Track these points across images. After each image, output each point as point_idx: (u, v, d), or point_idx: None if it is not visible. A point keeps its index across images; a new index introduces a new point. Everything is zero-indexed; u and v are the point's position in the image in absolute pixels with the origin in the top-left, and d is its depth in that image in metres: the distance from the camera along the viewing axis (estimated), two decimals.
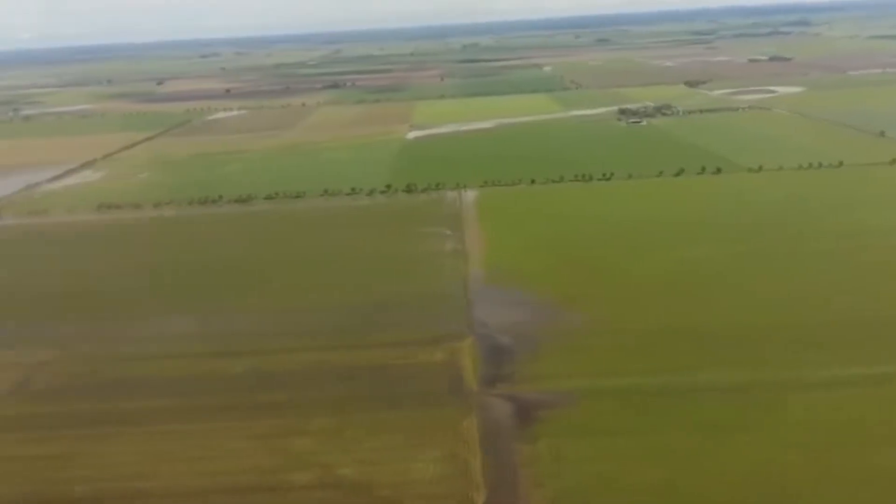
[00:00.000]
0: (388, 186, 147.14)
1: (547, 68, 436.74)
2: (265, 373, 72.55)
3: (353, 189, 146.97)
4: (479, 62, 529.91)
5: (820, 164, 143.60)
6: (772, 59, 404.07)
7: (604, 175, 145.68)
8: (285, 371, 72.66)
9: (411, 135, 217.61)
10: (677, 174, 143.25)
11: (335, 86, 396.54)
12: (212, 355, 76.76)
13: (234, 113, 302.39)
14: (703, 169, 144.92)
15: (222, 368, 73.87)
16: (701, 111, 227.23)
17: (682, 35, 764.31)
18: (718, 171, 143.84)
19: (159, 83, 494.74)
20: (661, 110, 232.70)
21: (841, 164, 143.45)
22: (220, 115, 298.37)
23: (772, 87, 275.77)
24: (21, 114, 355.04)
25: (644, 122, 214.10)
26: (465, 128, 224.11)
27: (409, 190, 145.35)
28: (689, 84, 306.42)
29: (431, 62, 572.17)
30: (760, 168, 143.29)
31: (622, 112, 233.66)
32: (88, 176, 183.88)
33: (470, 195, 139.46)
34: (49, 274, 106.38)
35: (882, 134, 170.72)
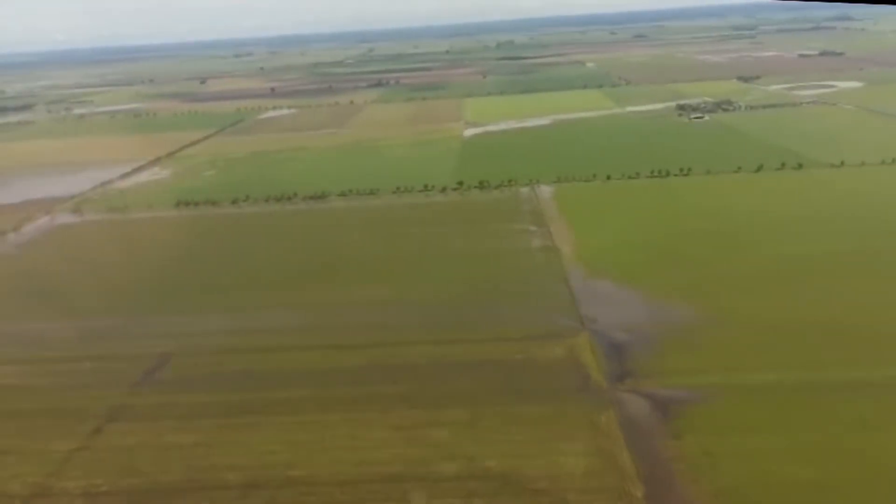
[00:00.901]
0: (461, 183, 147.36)
1: (590, 64, 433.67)
2: (387, 365, 73.17)
3: (425, 186, 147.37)
4: (518, 59, 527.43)
5: None
6: (822, 53, 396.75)
7: (681, 170, 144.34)
8: (406, 364, 73.20)
9: (468, 132, 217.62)
10: (757, 170, 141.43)
11: (379, 84, 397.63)
12: (331, 347, 77.73)
13: (285, 111, 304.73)
14: (783, 165, 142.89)
15: (344, 360, 74.68)
16: (763, 107, 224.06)
17: (722, 30, 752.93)
18: (799, 166, 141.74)
19: (202, 82, 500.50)
20: (720, 106, 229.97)
21: None
22: (271, 113, 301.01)
23: (830, 83, 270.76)
24: (73, 112, 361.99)
25: (706, 118, 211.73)
26: (521, 125, 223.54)
27: (481, 186, 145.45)
28: (743, 79, 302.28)
29: (469, 60, 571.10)
30: (842, 163, 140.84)
31: (681, 108, 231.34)
32: (157, 173, 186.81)
33: (545, 191, 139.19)
34: (150, 269, 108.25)
35: None
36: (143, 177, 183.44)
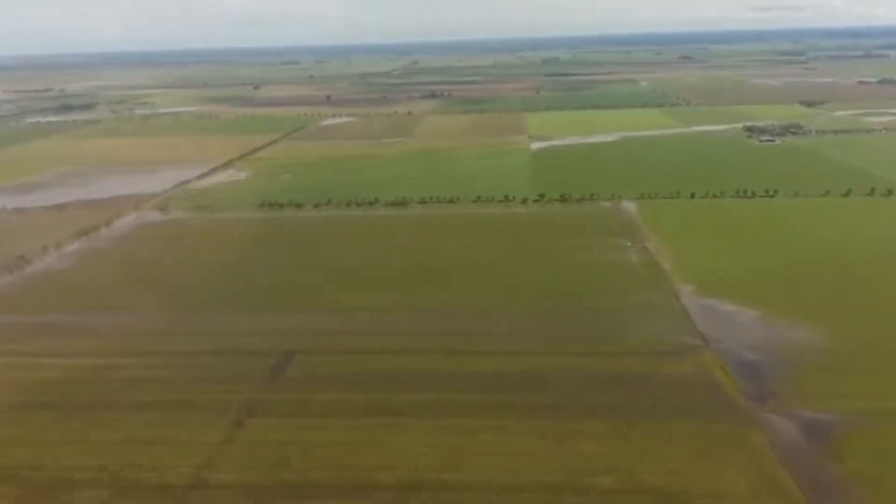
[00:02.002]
0: (542, 196, 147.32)
1: (643, 83, 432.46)
2: (516, 373, 73.10)
3: (505, 197, 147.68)
4: (567, 76, 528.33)
5: None
6: (881, 82, 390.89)
7: (766, 192, 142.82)
8: (536, 373, 73.01)
9: (535, 145, 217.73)
10: (845, 195, 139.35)
11: (432, 96, 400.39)
12: (453, 352, 77.89)
13: (344, 119, 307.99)
14: (873, 190, 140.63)
15: (471, 365, 74.81)
16: (834, 132, 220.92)
17: (769, 55, 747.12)
18: (889, 192, 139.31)
19: (256, 88, 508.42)
20: (789, 129, 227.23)
21: None
22: (331, 121, 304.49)
23: None
24: (135, 112, 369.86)
25: (777, 141, 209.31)
26: (586, 140, 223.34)
27: (563, 199, 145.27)
28: (806, 104, 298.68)
29: (516, 75, 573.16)
30: None
31: (748, 129, 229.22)
32: (233, 175, 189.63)
33: (630, 207, 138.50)
34: (250, 267, 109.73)
35: None
36: (221, 178, 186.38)
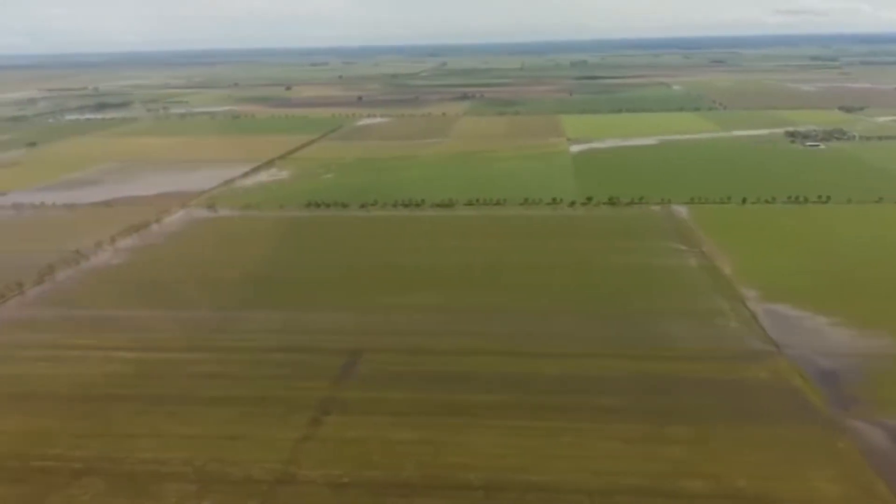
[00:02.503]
0: (589, 198, 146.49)
1: (676, 87, 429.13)
2: (585, 376, 72.71)
3: (553, 199, 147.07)
4: (598, 79, 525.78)
5: None
6: None
7: (819, 198, 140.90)
8: (605, 376, 72.56)
9: (574, 148, 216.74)
10: None
11: (464, 97, 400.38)
12: (521, 354, 77.69)
13: (378, 120, 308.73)
14: None
15: (539, 368, 74.55)
16: (878, 138, 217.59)
17: (800, 60, 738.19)
18: None
19: (287, 88, 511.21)
20: (833, 135, 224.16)
21: None
22: (366, 121, 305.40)
23: None
24: (171, 111, 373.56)
25: (822, 146, 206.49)
26: (626, 143, 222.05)
27: (612, 203, 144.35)
28: (845, 109, 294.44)
29: (545, 77, 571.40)
30: None
31: (791, 134, 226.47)
32: (275, 174, 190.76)
33: (680, 210, 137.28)
34: (304, 266, 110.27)
35: None
36: (263, 176, 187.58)
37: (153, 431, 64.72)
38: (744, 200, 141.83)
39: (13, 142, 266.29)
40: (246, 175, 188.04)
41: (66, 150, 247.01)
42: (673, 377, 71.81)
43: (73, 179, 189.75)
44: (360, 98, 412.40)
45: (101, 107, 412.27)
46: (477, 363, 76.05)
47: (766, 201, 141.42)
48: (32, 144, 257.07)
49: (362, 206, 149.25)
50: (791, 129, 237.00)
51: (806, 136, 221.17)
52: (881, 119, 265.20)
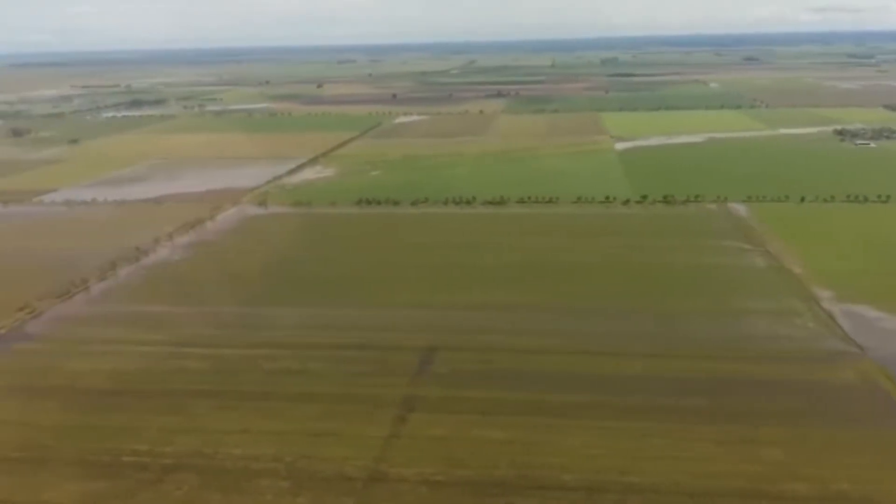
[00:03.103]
0: (644, 197, 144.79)
1: (713, 85, 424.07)
2: (667, 377, 71.45)
3: (606, 197, 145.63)
4: (632, 76, 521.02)
5: None
6: None
7: (878, 197, 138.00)
8: (689, 377, 71.39)
9: (619, 146, 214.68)
10: None
11: (499, 95, 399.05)
12: (600, 354, 76.79)
13: (415, 118, 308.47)
14: None
15: (618, 369, 73.51)
16: None
17: (836, 57, 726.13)
18: None
19: (319, 86, 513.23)
20: (882, 133, 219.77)
21: None
22: (403, 119, 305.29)
23: None
24: (206, 109, 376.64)
25: (873, 145, 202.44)
26: (671, 141, 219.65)
27: (667, 201, 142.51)
28: (890, 108, 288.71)
29: (578, 75, 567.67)
30: None
31: (840, 133, 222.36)
32: (321, 172, 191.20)
33: (738, 209, 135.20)
34: (365, 263, 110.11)
35: None
36: (309, 174, 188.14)
37: (239, 427, 64.75)
38: (802, 199, 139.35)
39: (55, 139, 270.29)
40: (292, 172, 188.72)
41: (109, 147, 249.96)
42: (756, 378, 70.44)
43: (119, 176, 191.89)
44: (394, 96, 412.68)
45: (137, 104, 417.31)
46: (553, 362, 75.24)
47: (825, 200, 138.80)
48: (74, 141, 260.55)
49: (413, 203, 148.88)
50: (838, 127, 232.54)
51: (855, 135, 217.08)
52: None
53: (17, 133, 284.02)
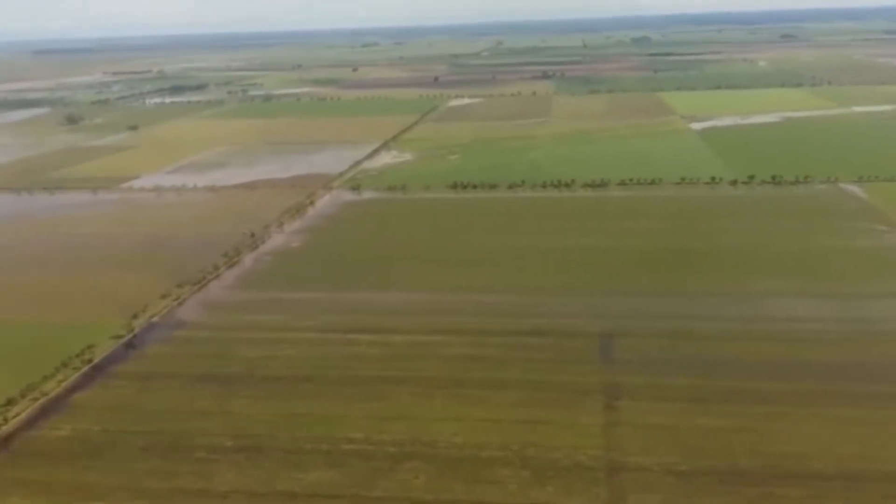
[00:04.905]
0: (751, 177, 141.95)
1: (762, 63, 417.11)
2: (861, 363, 69.50)
3: (712, 178, 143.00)
4: (672, 56, 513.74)
5: None
6: None
7: None
8: (886, 363, 69.23)
9: (695, 126, 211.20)
10: None
11: (545, 76, 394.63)
12: (781, 340, 74.78)
13: (468, 101, 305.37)
14: None
15: (811, 355, 71.81)
16: None
17: (873, 33, 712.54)
18: None
19: (354, 70, 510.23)
20: None
21: None
22: (456, 102, 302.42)
23: None
24: (251, 94, 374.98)
25: None
26: (748, 121, 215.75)
27: (775, 182, 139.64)
28: None
29: (615, 55, 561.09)
30: None
31: None
32: (398, 156, 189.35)
33: (853, 189, 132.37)
34: (493, 249, 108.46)
35: None
36: (387, 158, 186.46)
37: (446, 415, 63.51)
38: None
39: (112, 125, 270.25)
40: (369, 157, 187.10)
41: (170, 133, 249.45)
42: None
43: (197, 162, 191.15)
44: (436, 79, 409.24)
45: (178, 89, 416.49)
46: (741, 349, 73.30)
47: None
48: (134, 128, 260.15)
49: (510, 187, 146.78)
50: None
51: None
52: None
53: (72, 120, 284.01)
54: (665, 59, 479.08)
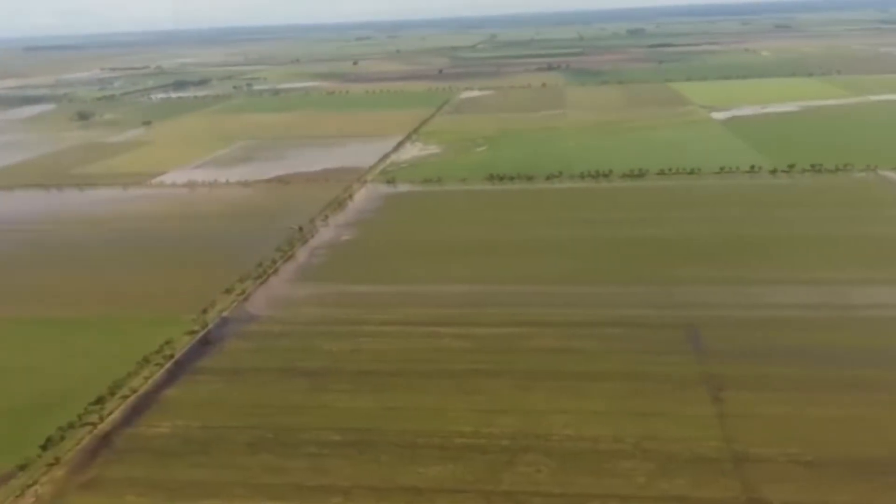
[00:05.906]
0: (791, 166, 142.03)
1: (765, 53, 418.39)
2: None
3: (751, 167, 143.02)
4: (672, 47, 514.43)
5: None
6: None
7: None
8: None
9: (717, 115, 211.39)
10: None
11: (550, 68, 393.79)
12: (875, 330, 74.56)
13: (479, 93, 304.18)
14: None
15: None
16: None
17: (866, 24, 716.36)
18: None
19: (354, 63, 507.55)
20: None
21: None
22: (468, 94, 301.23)
23: None
24: (256, 89, 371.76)
25: None
26: (769, 110, 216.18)
27: (815, 170, 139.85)
28: None
29: (613, 48, 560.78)
30: None
31: None
32: (424, 148, 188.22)
33: (894, 177, 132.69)
34: (548, 241, 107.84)
35: None
36: (414, 151, 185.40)
37: (552, 407, 62.86)
38: None
39: (125, 122, 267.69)
40: (396, 150, 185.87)
41: (185, 128, 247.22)
42: None
43: (222, 157, 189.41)
44: (440, 71, 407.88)
45: (182, 85, 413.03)
46: (832, 337, 73.02)
47: None
48: (147, 124, 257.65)
49: (548, 178, 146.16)
50: None
51: None
52: None
53: (83, 116, 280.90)
54: (665, 51, 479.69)
